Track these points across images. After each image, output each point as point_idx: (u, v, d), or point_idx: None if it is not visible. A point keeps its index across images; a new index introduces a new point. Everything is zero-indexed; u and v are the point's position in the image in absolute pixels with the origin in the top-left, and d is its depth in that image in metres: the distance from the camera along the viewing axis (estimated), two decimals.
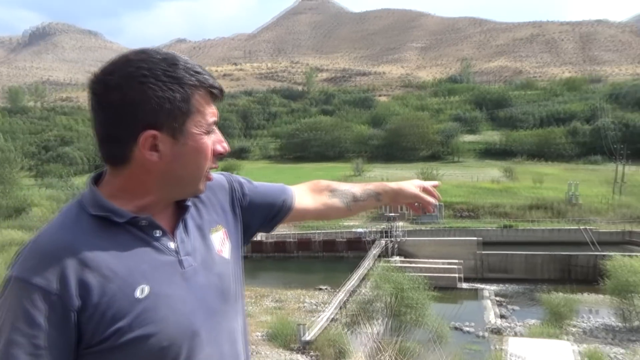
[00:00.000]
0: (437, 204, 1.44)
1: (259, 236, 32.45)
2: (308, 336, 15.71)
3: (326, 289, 24.31)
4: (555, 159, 53.09)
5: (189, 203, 1.03)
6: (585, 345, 15.94)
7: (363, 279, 22.27)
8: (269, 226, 1.25)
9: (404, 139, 57.14)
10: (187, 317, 0.91)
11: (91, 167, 72.00)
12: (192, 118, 0.91)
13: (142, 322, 0.86)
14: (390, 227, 28.26)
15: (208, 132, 0.94)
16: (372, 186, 1.39)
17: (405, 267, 22.31)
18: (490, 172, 45.43)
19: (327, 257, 30.30)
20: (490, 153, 57.55)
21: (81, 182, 50.68)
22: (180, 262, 0.95)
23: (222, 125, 79.14)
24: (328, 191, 1.34)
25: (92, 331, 0.84)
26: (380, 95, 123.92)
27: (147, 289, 0.88)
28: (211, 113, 0.95)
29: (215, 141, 0.97)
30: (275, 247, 31.35)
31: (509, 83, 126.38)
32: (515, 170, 44.22)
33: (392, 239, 27.76)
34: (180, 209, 1.02)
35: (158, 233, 0.95)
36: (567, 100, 76.31)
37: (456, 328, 18.76)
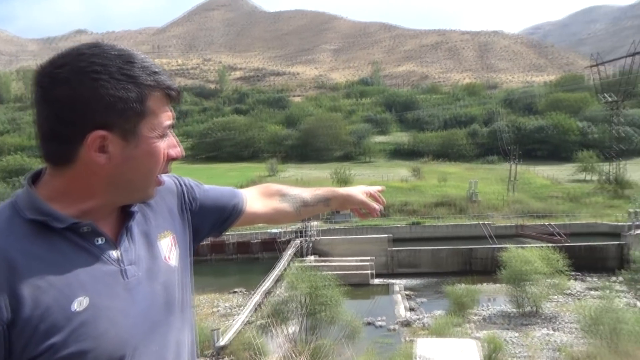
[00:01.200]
0: (382, 209, 1.49)
1: None
2: (222, 341, 15.36)
3: (241, 291, 23.96)
4: (458, 159, 56.75)
5: (135, 209, 0.96)
6: (485, 332, 17.22)
7: (278, 280, 22.20)
8: (219, 230, 1.22)
9: (318, 139, 57.97)
10: (128, 331, 0.85)
11: None
12: (147, 120, 0.86)
13: (78, 337, 0.78)
14: (304, 226, 28.47)
15: (162, 136, 0.89)
16: (321, 191, 1.41)
17: (319, 266, 22.60)
18: (399, 172, 47.49)
19: (241, 259, 29.85)
20: (399, 153, 60.21)
21: None
22: (123, 272, 0.89)
23: None
24: (278, 196, 1.35)
25: (23, 347, 0.76)
26: (294, 96, 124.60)
27: (85, 301, 0.81)
28: (167, 116, 0.90)
29: (169, 145, 0.92)
30: None
31: (416, 87, 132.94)
32: (422, 169, 46.61)
33: (307, 238, 27.99)
34: (125, 215, 0.95)
35: (100, 241, 0.88)
36: (468, 104, 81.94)
37: (369, 323, 19.36)
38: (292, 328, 16.42)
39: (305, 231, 28.11)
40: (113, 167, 0.84)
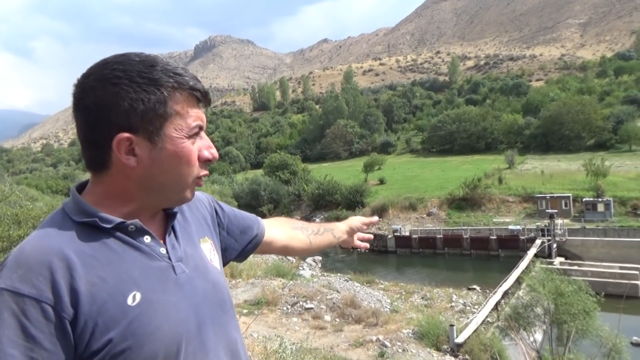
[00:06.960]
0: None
1: (405, 231, 32.16)
2: (459, 338, 15.14)
3: (477, 289, 23.18)
4: None
5: (176, 210, 1.01)
6: None
7: (519, 281, 20.72)
8: (243, 254, 1.25)
9: (564, 126, 51.53)
10: (182, 325, 0.88)
11: (252, 164, 78.55)
12: (171, 121, 0.88)
13: (135, 331, 0.81)
14: (550, 224, 25.78)
15: (190, 136, 0.90)
16: (325, 224, 1.52)
17: (567, 269, 20.20)
18: None
19: (477, 255, 28.85)
20: None
21: (242, 178, 55.50)
22: (173, 267, 0.93)
23: (366, 121, 77.80)
24: (290, 224, 1.43)
25: (85, 343, 0.79)
26: (534, 80, 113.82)
27: (139, 296, 0.84)
28: (194, 116, 0.91)
29: (202, 147, 0.94)
30: (422, 243, 30.86)
31: None
32: None
33: (552, 237, 25.28)
34: (168, 216, 1.00)
35: (147, 239, 0.91)
36: None
37: (637, 344, 16.35)
38: (535, 336, 15.14)
39: (550, 229, 25.45)
40: (143, 169, 0.87)
